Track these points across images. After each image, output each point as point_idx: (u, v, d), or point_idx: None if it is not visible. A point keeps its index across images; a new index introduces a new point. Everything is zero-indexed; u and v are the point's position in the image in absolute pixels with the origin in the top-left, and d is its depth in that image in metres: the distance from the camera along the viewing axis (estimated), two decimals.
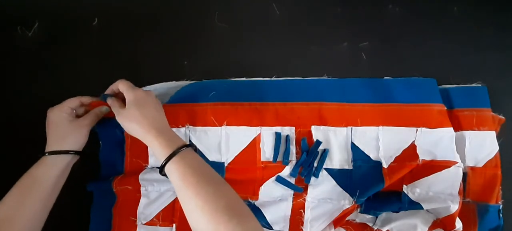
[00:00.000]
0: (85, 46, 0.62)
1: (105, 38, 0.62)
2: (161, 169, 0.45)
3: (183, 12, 0.63)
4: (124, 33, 0.62)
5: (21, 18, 0.62)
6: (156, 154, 0.45)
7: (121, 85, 0.50)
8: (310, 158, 0.57)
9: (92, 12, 0.62)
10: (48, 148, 0.49)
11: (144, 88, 0.58)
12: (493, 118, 0.59)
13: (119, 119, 0.48)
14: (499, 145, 0.59)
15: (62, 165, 0.49)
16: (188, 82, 0.60)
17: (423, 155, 0.57)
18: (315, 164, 0.58)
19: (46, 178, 0.47)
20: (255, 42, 0.62)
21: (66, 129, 0.50)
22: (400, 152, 0.58)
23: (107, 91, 0.54)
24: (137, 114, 0.46)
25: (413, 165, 0.57)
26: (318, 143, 0.58)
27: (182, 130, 0.58)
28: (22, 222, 0.45)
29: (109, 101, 0.52)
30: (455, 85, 0.61)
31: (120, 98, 0.52)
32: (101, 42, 0.62)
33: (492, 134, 0.59)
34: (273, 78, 0.61)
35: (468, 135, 0.58)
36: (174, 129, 0.57)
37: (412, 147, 0.58)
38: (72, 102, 0.52)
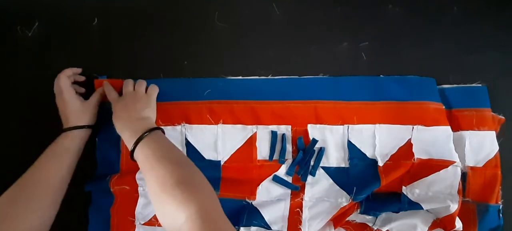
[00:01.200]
0: (85, 46, 0.62)
1: (105, 38, 0.62)
2: (131, 157, 0.47)
3: (183, 12, 0.63)
4: (124, 33, 0.62)
5: (21, 18, 0.62)
6: (127, 144, 0.48)
7: (124, 82, 0.56)
8: (306, 157, 0.58)
9: (92, 12, 0.62)
10: (67, 125, 0.54)
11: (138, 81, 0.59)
12: (493, 118, 0.59)
13: (113, 108, 0.53)
14: (499, 145, 0.59)
15: (84, 137, 0.55)
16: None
17: (419, 153, 0.57)
18: (312, 163, 0.58)
19: (73, 147, 0.53)
20: (255, 43, 0.62)
21: (79, 108, 0.55)
22: (396, 149, 0.58)
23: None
24: (122, 109, 0.52)
25: (408, 164, 0.57)
26: (315, 141, 0.58)
27: (178, 128, 0.58)
28: (54, 184, 0.49)
29: (106, 86, 0.57)
30: (454, 85, 0.61)
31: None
32: (101, 42, 0.62)
33: (492, 134, 0.59)
34: (269, 77, 0.61)
35: (468, 135, 0.58)
36: (169, 127, 0.58)
37: (408, 144, 0.58)
38: (67, 72, 0.56)
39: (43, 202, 0.47)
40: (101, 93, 0.57)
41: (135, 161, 0.47)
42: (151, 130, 0.47)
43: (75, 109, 0.54)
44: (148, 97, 0.55)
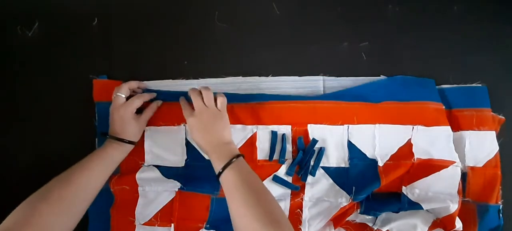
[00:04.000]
0: (85, 46, 0.62)
1: (105, 38, 0.62)
2: (217, 178, 0.50)
3: (183, 12, 0.63)
4: (124, 33, 0.62)
5: (21, 18, 0.62)
6: (214, 164, 0.50)
7: (191, 93, 0.55)
8: (306, 157, 0.58)
9: (92, 12, 0.62)
10: (121, 135, 0.54)
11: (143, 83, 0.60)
12: (493, 118, 0.59)
13: (188, 123, 0.54)
14: (499, 145, 0.59)
15: (128, 151, 0.56)
16: (184, 80, 0.61)
17: (419, 153, 0.57)
18: (312, 162, 0.58)
19: (119, 159, 0.54)
20: (255, 42, 0.62)
21: (135, 124, 0.55)
22: (396, 150, 0.58)
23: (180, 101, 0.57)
24: (200, 128, 0.52)
25: (408, 164, 0.57)
26: (315, 141, 0.58)
27: (178, 128, 0.58)
28: (92, 190, 0.50)
29: (182, 101, 0.56)
30: (454, 85, 0.61)
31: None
32: (101, 42, 0.62)
33: (492, 134, 0.59)
34: (269, 77, 0.61)
35: (468, 135, 0.58)
36: (170, 127, 0.58)
37: (408, 144, 0.58)
38: (132, 85, 0.57)
39: (76, 205, 0.48)
40: (153, 110, 0.57)
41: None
42: (237, 155, 0.50)
43: (133, 124, 0.54)
44: (223, 115, 0.54)
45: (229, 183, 0.48)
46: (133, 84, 0.57)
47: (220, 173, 0.49)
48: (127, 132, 0.54)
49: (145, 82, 0.60)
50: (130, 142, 0.54)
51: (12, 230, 0.41)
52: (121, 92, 0.54)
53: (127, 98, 0.55)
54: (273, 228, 0.41)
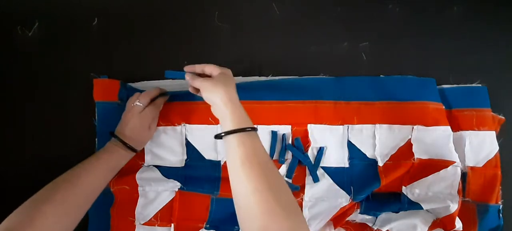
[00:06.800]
0: (85, 46, 0.62)
1: (105, 38, 0.62)
2: (220, 135, 0.45)
3: (183, 12, 0.63)
4: (124, 33, 0.62)
5: (21, 18, 0.62)
6: (225, 120, 0.46)
7: (208, 68, 0.51)
8: (306, 157, 0.58)
9: (92, 12, 0.62)
10: (123, 138, 0.53)
11: (134, 84, 0.60)
12: (493, 118, 0.59)
13: (206, 86, 0.48)
14: (499, 145, 0.59)
15: (129, 157, 0.55)
16: (184, 80, 0.60)
17: (419, 153, 0.57)
18: (312, 162, 0.58)
19: (122, 164, 0.54)
20: (255, 43, 0.62)
21: (146, 135, 0.55)
22: (396, 150, 0.58)
23: (187, 77, 0.53)
24: (222, 86, 0.47)
25: (408, 164, 0.57)
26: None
27: (178, 128, 0.58)
28: (94, 193, 0.50)
29: (188, 76, 0.52)
30: (454, 85, 0.61)
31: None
32: (101, 42, 0.62)
33: (492, 134, 0.59)
34: (269, 78, 0.61)
35: (468, 135, 0.58)
36: (170, 127, 0.58)
37: (408, 144, 0.58)
38: (152, 93, 0.55)
39: (79, 207, 0.48)
40: (157, 117, 0.57)
41: (220, 138, 0.45)
42: (253, 128, 0.46)
43: (145, 134, 0.54)
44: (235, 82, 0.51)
45: (241, 149, 0.43)
46: (153, 93, 0.55)
47: (232, 132, 0.44)
48: (140, 141, 0.54)
49: (144, 82, 0.60)
50: (135, 150, 0.54)
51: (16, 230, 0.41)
52: (142, 102, 0.53)
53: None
54: (286, 224, 0.37)
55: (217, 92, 0.47)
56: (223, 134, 0.45)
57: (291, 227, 0.38)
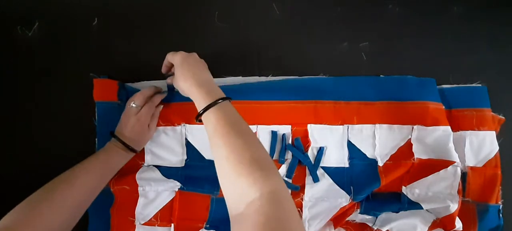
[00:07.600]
0: (85, 46, 0.62)
1: (105, 38, 0.62)
2: (198, 116, 0.47)
3: (183, 12, 0.63)
4: (123, 33, 0.62)
5: (21, 18, 0.62)
6: (197, 103, 0.47)
7: (168, 58, 0.54)
8: (306, 157, 0.58)
9: (92, 12, 0.62)
10: (123, 139, 0.53)
11: (134, 84, 0.60)
12: (493, 118, 0.59)
13: (175, 79, 0.52)
14: (499, 145, 0.59)
15: (129, 158, 0.55)
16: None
17: (419, 153, 0.58)
18: (312, 162, 0.58)
19: (121, 165, 0.55)
20: (255, 43, 0.62)
21: (146, 136, 0.56)
22: (396, 150, 0.59)
23: (163, 69, 0.57)
24: (183, 73, 0.50)
25: (408, 164, 0.57)
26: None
27: (178, 128, 0.58)
28: (93, 193, 0.51)
29: (169, 80, 0.56)
30: (454, 85, 0.61)
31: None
32: (101, 42, 0.62)
33: (492, 134, 0.59)
34: (269, 78, 0.61)
35: (468, 135, 0.58)
36: (169, 127, 0.58)
37: (408, 144, 0.58)
38: (139, 101, 0.55)
39: (77, 207, 0.48)
40: (157, 117, 0.57)
41: (200, 122, 0.47)
42: (224, 98, 0.47)
43: (145, 134, 0.55)
44: (199, 60, 0.53)
45: (214, 121, 0.44)
46: (148, 92, 0.56)
47: (205, 109, 0.45)
48: (140, 141, 0.55)
49: (144, 82, 0.60)
50: (135, 150, 0.54)
51: (13, 229, 0.41)
52: (137, 103, 0.54)
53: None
54: (259, 173, 0.38)
55: (183, 81, 0.50)
56: (199, 118, 0.46)
57: (264, 175, 0.38)
